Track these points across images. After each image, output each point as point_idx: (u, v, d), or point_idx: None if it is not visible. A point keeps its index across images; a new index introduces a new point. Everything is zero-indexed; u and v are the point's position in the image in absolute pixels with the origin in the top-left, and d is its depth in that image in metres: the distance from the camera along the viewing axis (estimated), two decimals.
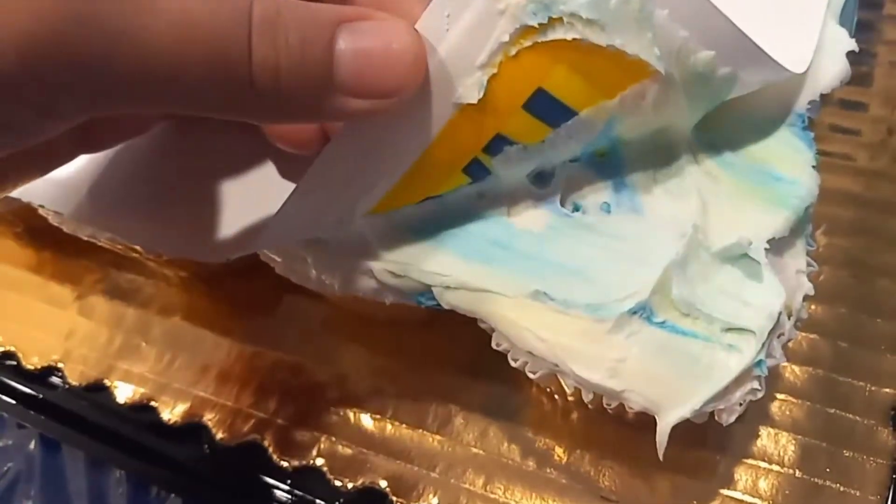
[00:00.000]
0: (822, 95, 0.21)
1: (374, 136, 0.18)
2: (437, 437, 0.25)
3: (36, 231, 0.31)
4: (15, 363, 0.29)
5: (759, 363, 0.19)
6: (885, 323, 0.24)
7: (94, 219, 0.24)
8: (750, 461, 0.23)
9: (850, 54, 0.21)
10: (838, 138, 0.28)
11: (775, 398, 0.24)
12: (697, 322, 0.19)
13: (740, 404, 0.19)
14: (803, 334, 0.24)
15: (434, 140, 0.18)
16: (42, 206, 0.24)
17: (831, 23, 0.21)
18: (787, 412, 0.23)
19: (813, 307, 0.24)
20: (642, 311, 0.19)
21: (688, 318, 0.19)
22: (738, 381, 0.19)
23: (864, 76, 0.29)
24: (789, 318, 0.20)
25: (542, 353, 0.19)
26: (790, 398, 0.24)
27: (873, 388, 0.23)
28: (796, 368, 0.24)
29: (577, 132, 0.18)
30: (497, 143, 0.18)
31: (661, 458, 0.19)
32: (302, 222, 0.20)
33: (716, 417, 0.19)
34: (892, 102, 0.28)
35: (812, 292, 0.20)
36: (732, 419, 0.19)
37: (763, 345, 0.19)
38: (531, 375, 0.20)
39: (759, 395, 0.19)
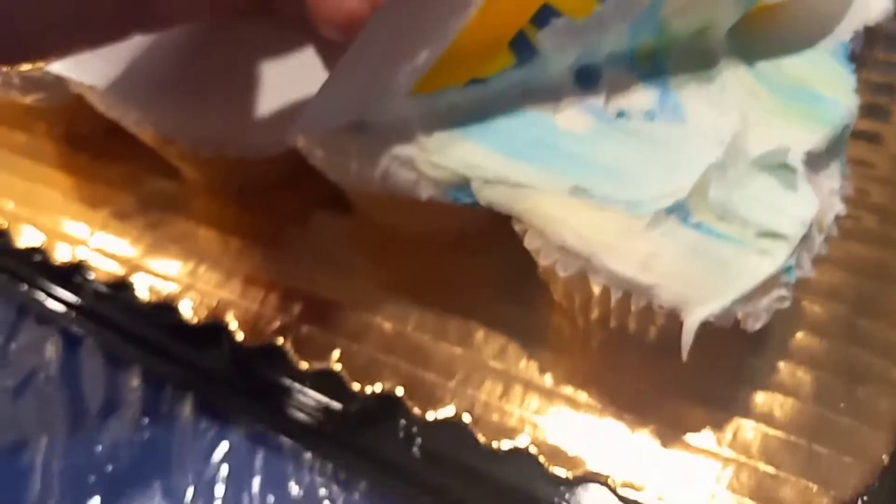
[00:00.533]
0: (866, 28, 0.21)
1: (417, 3, 0.18)
2: (457, 348, 0.25)
3: (75, 135, 0.31)
4: (41, 259, 0.30)
5: (788, 270, 0.19)
6: None
7: (137, 102, 0.25)
8: (767, 392, 0.23)
9: None
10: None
11: (795, 334, 0.24)
12: (732, 225, 0.19)
13: (767, 311, 0.19)
14: (828, 270, 0.25)
15: (480, 6, 0.18)
16: (90, 88, 0.25)
17: None
18: (807, 348, 0.24)
19: (836, 250, 0.25)
20: (679, 211, 0.19)
21: (723, 222, 0.19)
22: (767, 286, 0.19)
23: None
24: (820, 233, 0.20)
25: (576, 248, 0.20)
26: (810, 334, 0.24)
27: (891, 332, 0.24)
28: (817, 306, 0.24)
29: (623, 6, 0.19)
30: (544, 14, 0.18)
31: (684, 357, 0.19)
32: (346, 101, 0.20)
33: (741, 323, 0.19)
34: None
35: (844, 212, 0.20)
36: (758, 325, 0.19)
37: (794, 251, 0.19)
38: (561, 273, 0.20)
39: (786, 303, 0.19)
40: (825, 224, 0.20)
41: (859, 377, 0.23)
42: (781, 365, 0.24)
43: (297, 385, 0.26)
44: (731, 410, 0.23)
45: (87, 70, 0.24)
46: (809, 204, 0.19)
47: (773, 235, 0.19)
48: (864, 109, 0.21)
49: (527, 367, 0.25)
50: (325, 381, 0.25)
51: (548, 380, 0.24)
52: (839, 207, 0.20)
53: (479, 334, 0.25)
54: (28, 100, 0.29)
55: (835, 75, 0.21)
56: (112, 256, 0.29)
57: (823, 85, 0.21)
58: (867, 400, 0.23)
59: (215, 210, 0.29)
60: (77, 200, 0.31)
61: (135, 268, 0.29)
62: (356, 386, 0.25)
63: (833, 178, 0.21)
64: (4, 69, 0.27)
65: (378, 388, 0.25)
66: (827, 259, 0.21)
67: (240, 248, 0.28)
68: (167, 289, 0.28)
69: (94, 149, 0.31)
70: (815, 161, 0.20)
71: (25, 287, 0.29)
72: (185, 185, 0.30)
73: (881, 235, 0.26)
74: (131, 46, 0.24)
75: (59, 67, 0.25)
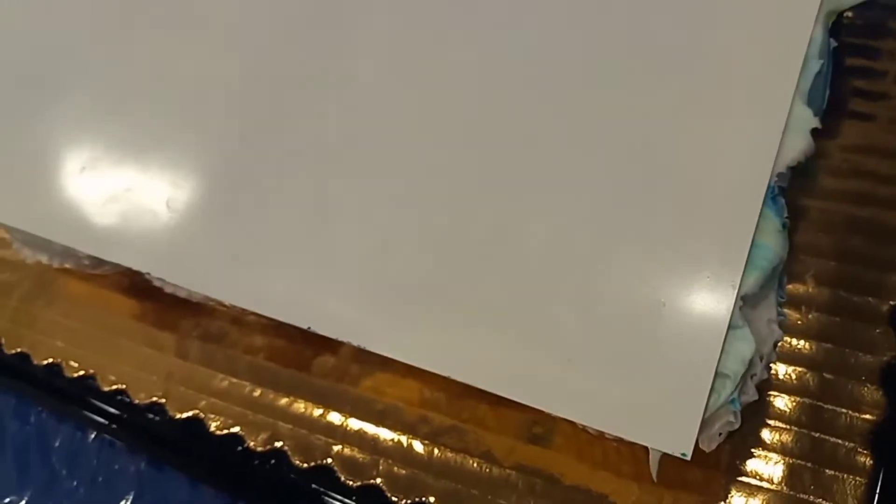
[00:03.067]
0: (788, 167, 0.25)
1: None
2: (477, 460, 0.29)
3: (140, 286, 0.36)
4: (127, 399, 0.35)
5: (733, 401, 0.23)
6: (864, 356, 0.28)
7: (192, 284, 0.29)
8: (742, 479, 0.27)
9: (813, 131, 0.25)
10: None
11: (767, 424, 0.27)
12: None
13: (720, 434, 0.23)
14: (792, 367, 0.28)
15: None
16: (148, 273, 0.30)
17: (798, 103, 0.25)
18: (777, 436, 0.27)
19: (801, 342, 0.28)
20: None
21: None
22: (716, 416, 0.23)
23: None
24: (761, 361, 0.23)
25: None
26: (779, 423, 0.27)
27: (854, 415, 0.27)
28: (785, 397, 0.28)
29: None
30: None
31: (654, 478, 0.23)
32: None
33: (699, 444, 0.23)
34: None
35: (782, 338, 0.24)
36: (714, 446, 0.23)
37: (736, 387, 0.23)
38: None
39: (735, 426, 0.23)
40: (765, 352, 0.24)
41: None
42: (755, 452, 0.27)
43: (346, 500, 0.30)
44: (709, 497, 0.27)
45: (138, 258, 0.29)
46: (747, 343, 0.23)
47: (718, 374, 0.23)
48: None
49: (536, 471, 0.29)
50: (370, 495, 0.30)
51: (538, 482, 0.28)
52: (777, 334, 0.24)
53: (494, 445, 0.30)
54: (97, 271, 0.34)
55: (763, 220, 0.24)
56: (181, 394, 0.34)
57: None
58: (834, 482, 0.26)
59: (266, 342, 0.34)
60: (147, 345, 0.36)
61: (201, 401, 0.34)
62: (395, 498, 0.30)
63: (770, 309, 0.24)
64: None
65: (413, 499, 0.29)
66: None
67: (290, 376, 0.33)
68: (230, 419, 0.33)
69: (158, 297, 0.36)
70: (753, 298, 0.24)
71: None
72: (237, 323, 0.35)
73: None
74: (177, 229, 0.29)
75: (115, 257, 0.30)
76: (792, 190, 0.27)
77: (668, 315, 0.23)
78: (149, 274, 0.30)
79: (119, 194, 0.31)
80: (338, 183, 0.28)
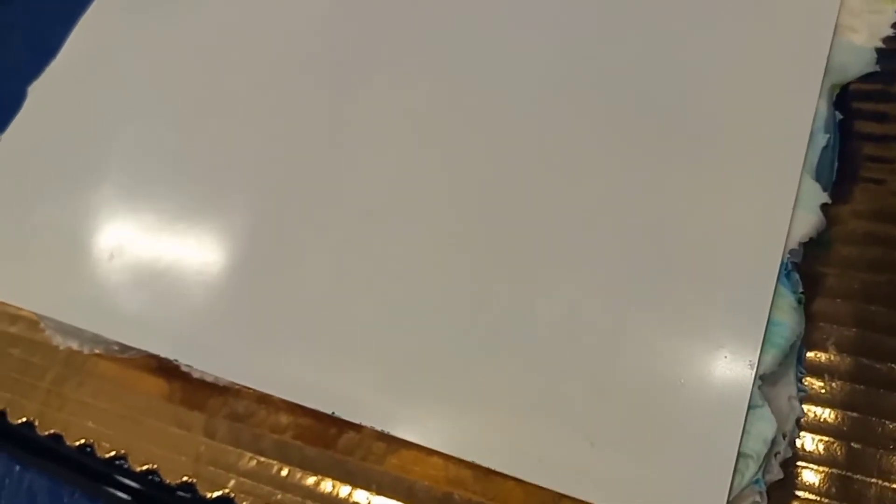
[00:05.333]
0: (800, 243, 0.25)
1: None
2: None
3: (167, 367, 0.37)
4: (158, 479, 0.36)
5: (757, 481, 0.23)
6: (891, 424, 0.27)
7: (218, 370, 0.30)
8: None
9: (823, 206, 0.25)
10: None
11: (796, 496, 0.27)
12: None
13: None
14: (819, 437, 0.28)
15: None
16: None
17: (807, 179, 0.25)
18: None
19: (826, 411, 0.28)
20: None
21: None
22: (741, 496, 0.23)
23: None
24: (784, 439, 0.23)
25: None
26: (808, 495, 0.27)
27: (885, 484, 0.27)
28: (813, 468, 0.27)
29: None
30: None
31: None
32: None
33: None
34: None
35: (804, 415, 0.24)
36: None
37: (760, 467, 0.22)
38: None
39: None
40: (787, 429, 0.24)
41: None
42: None
43: None
44: None
45: (166, 345, 0.30)
46: (769, 423, 0.23)
47: (741, 455, 0.23)
48: None
49: None
50: None
51: None
52: (798, 411, 0.24)
53: None
54: (126, 355, 0.35)
55: (778, 297, 0.24)
56: (210, 473, 0.35)
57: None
58: None
59: (291, 421, 0.35)
60: (176, 425, 0.36)
61: (230, 481, 0.34)
62: None
63: (790, 386, 0.24)
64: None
65: None
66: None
67: (316, 454, 0.33)
68: (259, 498, 0.33)
69: (185, 378, 0.37)
70: (772, 376, 0.24)
71: None
72: (263, 402, 0.35)
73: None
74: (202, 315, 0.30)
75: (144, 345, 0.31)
76: (807, 259, 0.28)
77: (688, 395, 0.23)
78: (177, 360, 0.30)
79: (146, 281, 0.32)
80: (357, 266, 0.29)
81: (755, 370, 0.23)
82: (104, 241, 0.34)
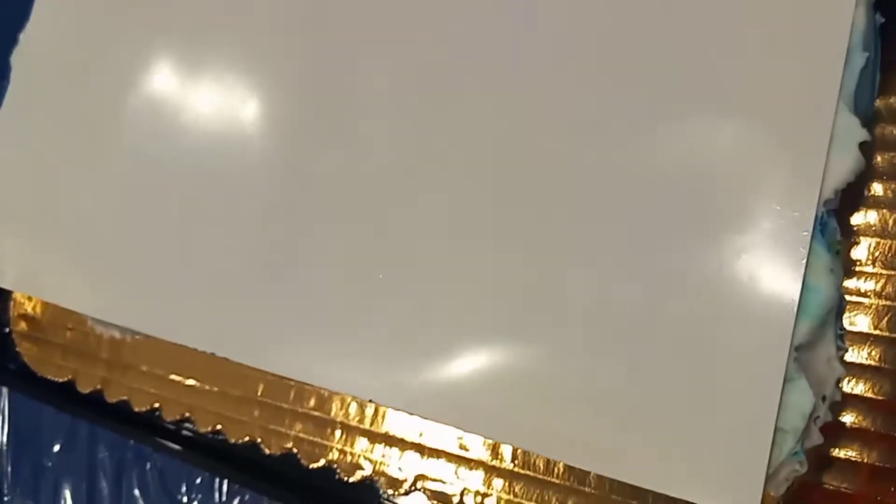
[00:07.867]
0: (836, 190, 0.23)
1: None
2: None
3: None
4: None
5: (796, 452, 0.22)
6: None
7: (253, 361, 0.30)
8: None
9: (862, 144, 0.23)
10: None
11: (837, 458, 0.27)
12: None
13: (787, 479, 0.23)
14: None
15: None
16: None
17: (843, 111, 0.23)
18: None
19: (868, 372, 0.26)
20: None
21: None
22: (781, 466, 0.23)
23: None
24: (824, 402, 0.23)
25: None
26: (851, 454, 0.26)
27: None
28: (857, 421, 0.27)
29: None
30: None
31: None
32: None
33: (768, 492, 0.23)
34: None
35: (845, 375, 0.23)
36: (782, 491, 0.23)
37: (798, 440, 0.22)
38: None
39: (802, 471, 0.23)
40: (828, 392, 0.23)
41: None
42: None
43: None
44: None
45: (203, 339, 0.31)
46: (805, 395, 0.22)
47: (777, 430, 0.22)
48: None
49: None
50: None
51: None
52: (839, 371, 0.23)
53: None
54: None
55: (812, 256, 0.22)
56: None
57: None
58: None
59: None
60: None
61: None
62: None
63: (829, 346, 0.23)
64: None
65: None
66: None
67: None
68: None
69: None
70: (807, 344, 0.23)
71: None
72: None
73: None
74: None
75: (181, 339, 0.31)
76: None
77: (722, 374, 0.23)
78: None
79: (180, 280, 0.32)
80: (385, 255, 0.28)
81: (790, 344, 0.22)
82: (126, 237, 0.33)
